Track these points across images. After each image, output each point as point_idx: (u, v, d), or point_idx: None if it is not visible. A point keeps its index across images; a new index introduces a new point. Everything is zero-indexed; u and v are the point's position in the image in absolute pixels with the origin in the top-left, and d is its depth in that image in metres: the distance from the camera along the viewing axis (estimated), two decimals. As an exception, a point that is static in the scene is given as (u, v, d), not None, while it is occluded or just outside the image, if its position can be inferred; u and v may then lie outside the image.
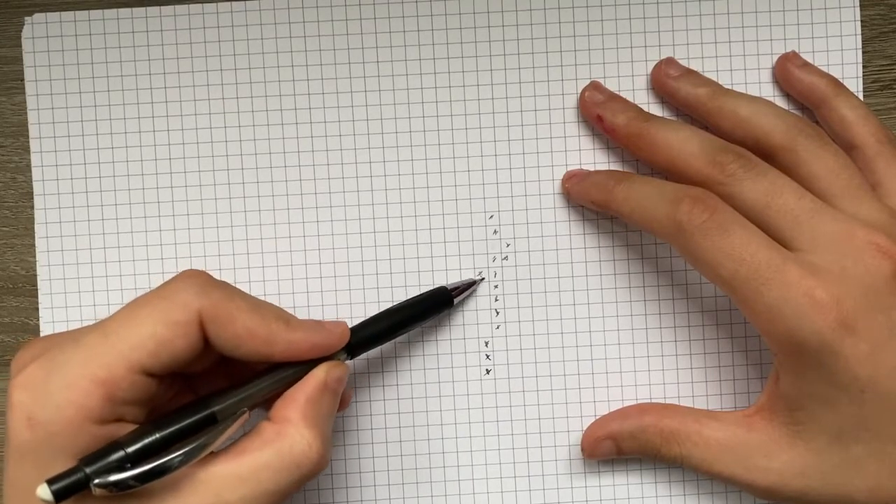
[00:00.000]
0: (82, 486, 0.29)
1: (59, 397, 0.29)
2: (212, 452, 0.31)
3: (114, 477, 0.29)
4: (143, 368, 0.30)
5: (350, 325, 0.35)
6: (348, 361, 0.35)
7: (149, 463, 0.29)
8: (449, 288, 0.39)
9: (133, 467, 0.29)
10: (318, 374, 0.32)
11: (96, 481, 0.28)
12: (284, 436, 0.31)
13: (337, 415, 0.36)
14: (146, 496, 0.29)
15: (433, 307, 0.38)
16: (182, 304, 0.31)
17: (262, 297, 0.38)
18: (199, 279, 0.32)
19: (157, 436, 0.30)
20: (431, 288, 0.39)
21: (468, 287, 0.39)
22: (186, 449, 0.30)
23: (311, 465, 0.31)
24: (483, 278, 0.40)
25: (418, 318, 0.38)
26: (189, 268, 0.33)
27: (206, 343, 0.31)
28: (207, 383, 0.34)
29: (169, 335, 0.30)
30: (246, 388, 0.32)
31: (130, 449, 0.30)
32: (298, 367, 0.33)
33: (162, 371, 0.31)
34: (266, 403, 0.33)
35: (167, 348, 0.30)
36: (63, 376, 0.29)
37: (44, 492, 0.28)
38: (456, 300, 0.39)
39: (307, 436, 0.31)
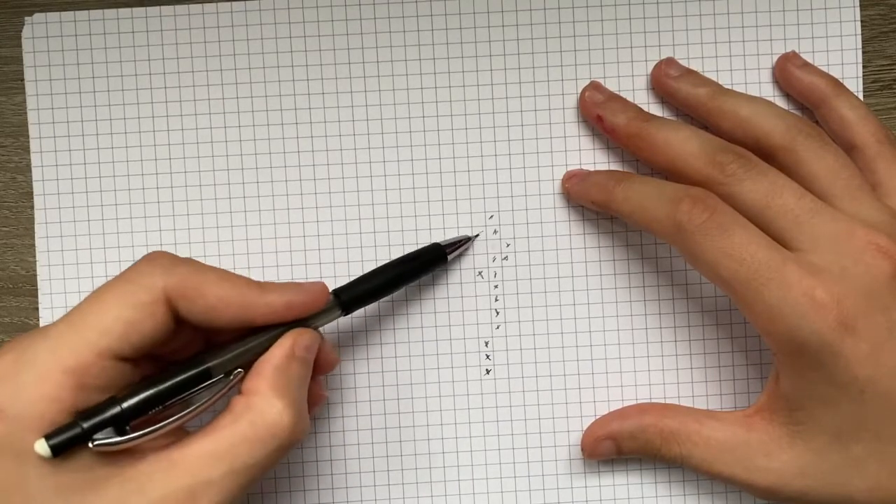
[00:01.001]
0: (80, 441, 0.29)
1: (30, 390, 0.29)
2: (186, 433, 0.31)
3: (116, 438, 0.29)
4: (112, 353, 0.30)
5: (342, 291, 0.35)
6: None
7: (144, 418, 0.30)
8: (443, 244, 0.39)
9: (129, 422, 0.30)
10: (285, 343, 0.32)
11: (97, 441, 0.29)
12: (254, 407, 0.31)
13: (323, 376, 0.37)
14: (127, 474, 0.30)
15: (427, 263, 0.38)
16: (147, 285, 0.31)
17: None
18: (163, 259, 0.32)
19: (153, 391, 0.31)
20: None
21: (462, 243, 0.39)
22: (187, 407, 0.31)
23: (285, 433, 0.31)
24: (478, 235, 0.40)
25: (412, 275, 0.38)
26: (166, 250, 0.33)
27: (178, 322, 0.32)
28: None
29: (136, 317, 0.30)
30: (238, 346, 0.32)
31: (126, 404, 0.30)
32: (285, 328, 0.33)
33: (134, 354, 0.31)
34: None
35: (135, 330, 0.30)
36: (32, 369, 0.29)
37: (41, 447, 0.28)
38: (450, 257, 0.39)
39: (277, 405, 0.31)
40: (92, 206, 0.39)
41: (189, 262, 0.32)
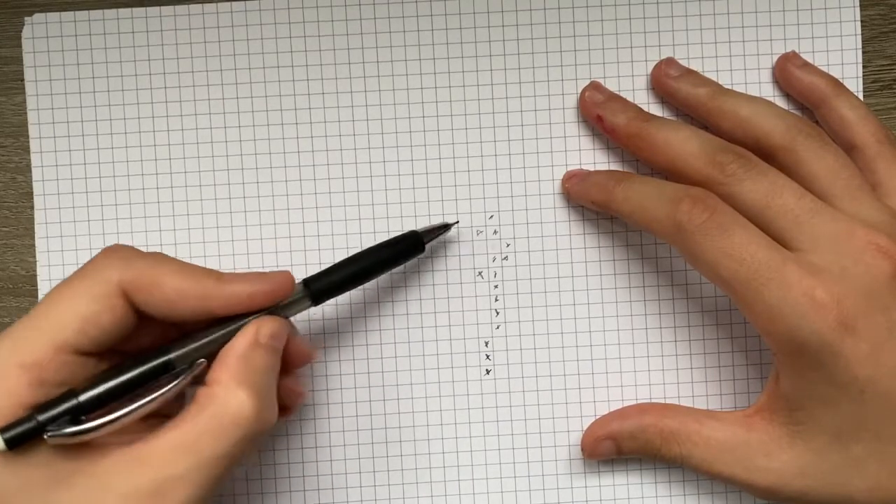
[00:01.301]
0: (35, 433, 0.29)
1: None
2: (153, 427, 0.30)
3: (69, 429, 0.29)
4: (71, 347, 0.30)
5: (312, 280, 0.34)
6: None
7: (105, 410, 0.29)
8: (420, 231, 0.38)
9: (88, 415, 0.29)
10: (248, 331, 0.32)
11: (50, 433, 0.29)
12: (216, 398, 0.30)
13: (297, 369, 0.36)
14: (93, 470, 0.29)
15: (403, 252, 0.37)
16: (103, 279, 0.31)
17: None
18: (120, 252, 0.32)
19: (112, 383, 0.30)
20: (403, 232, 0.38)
21: (440, 230, 0.38)
22: (144, 399, 0.30)
23: (249, 422, 0.30)
24: (458, 221, 0.39)
25: (387, 264, 0.36)
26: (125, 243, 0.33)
27: (141, 315, 0.31)
28: None
29: (92, 310, 0.30)
30: (202, 336, 0.32)
31: (83, 397, 0.30)
32: (251, 317, 0.32)
33: (95, 348, 0.31)
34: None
35: (93, 324, 0.30)
36: None
37: None
38: (427, 244, 0.37)
39: (240, 395, 0.30)
40: (92, 206, 0.39)
41: (148, 254, 0.32)
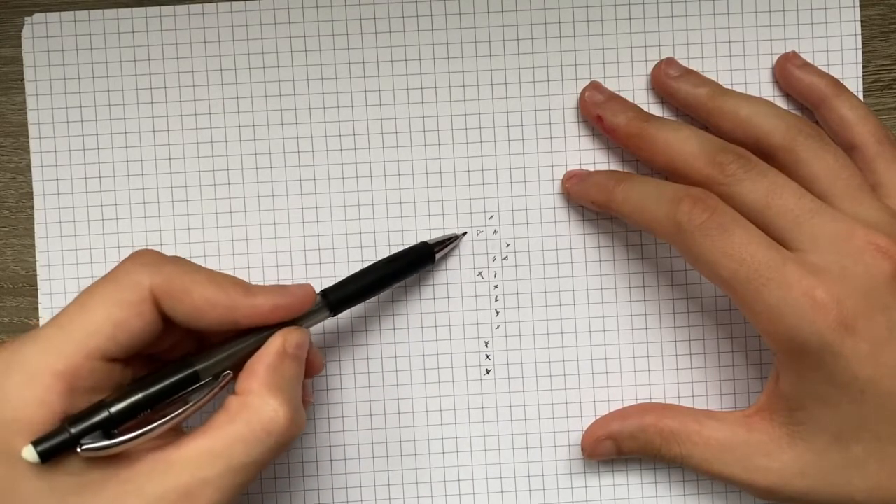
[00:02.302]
0: (68, 446, 0.29)
1: (19, 394, 0.29)
2: (182, 433, 0.31)
3: (103, 442, 0.29)
4: (102, 354, 0.30)
5: (330, 291, 0.35)
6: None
7: (134, 422, 0.30)
8: (431, 243, 0.39)
9: (118, 426, 0.30)
10: (276, 342, 0.32)
11: (84, 446, 0.29)
12: (249, 406, 0.31)
13: (309, 379, 0.37)
14: (123, 476, 0.30)
15: (415, 262, 0.38)
16: (133, 284, 0.31)
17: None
18: (149, 257, 0.32)
19: (141, 395, 0.30)
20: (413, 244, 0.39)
21: (450, 242, 0.39)
22: (175, 410, 0.30)
23: (281, 430, 0.31)
24: (465, 233, 0.40)
25: (399, 274, 0.38)
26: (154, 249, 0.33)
27: (166, 321, 0.31)
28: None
29: (123, 316, 0.30)
30: (227, 348, 0.32)
31: (114, 409, 0.30)
32: (272, 330, 0.33)
33: (123, 354, 0.31)
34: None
35: (123, 330, 0.30)
36: (22, 373, 0.29)
37: (29, 453, 0.28)
38: (438, 255, 0.39)
39: (272, 403, 0.31)
40: (92, 206, 0.39)
41: (176, 260, 0.32)
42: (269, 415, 0.31)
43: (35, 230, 0.39)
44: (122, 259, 0.32)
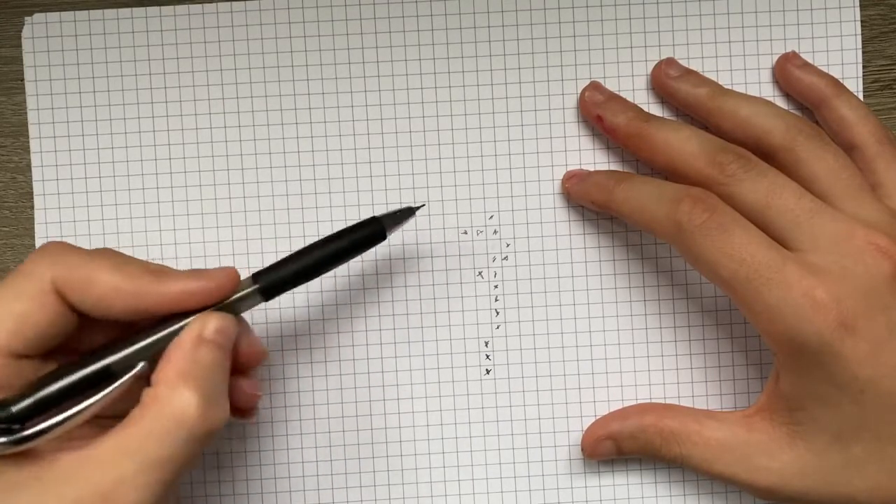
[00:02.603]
0: None
1: None
2: (99, 429, 0.30)
3: (1, 439, 0.28)
4: (7, 350, 0.29)
5: (261, 274, 0.33)
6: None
7: (38, 421, 0.28)
8: (381, 217, 0.34)
9: (22, 425, 0.28)
10: (192, 327, 0.31)
11: None
12: (160, 398, 0.29)
13: (251, 369, 0.34)
14: (44, 477, 0.29)
15: (360, 241, 0.34)
16: (34, 276, 0.30)
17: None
18: (54, 248, 0.31)
19: (46, 391, 0.29)
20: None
21: (403, 216, 0.35)
22: (80, 405, 0.29)
23: (194, 421, 0.29)
24: (423, 205, 0.37)
25: (342, 255, 0.33)
26: (67, 241, 0.32)
27: (86, 318, 0.31)
28: None
29: (24, 310, 0.29)
30: (142, 338, 0.31)
31: (16, 407, 0.29)
32: (194, 316, 0.31)
33: (32, 350, 0.30)
34: None
35: (28, 323, 0.29)
36: None
37: None
38: (389, 233, 0.34)
39: (184, 393, 0.29)
40: (92, 206, 0.39)
41: (84, 251, 0.31)
42: (178, 405, 0.29)
43: (35, 230, 0.39)
44: None
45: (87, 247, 0.38)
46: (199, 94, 0.39)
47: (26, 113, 0.39)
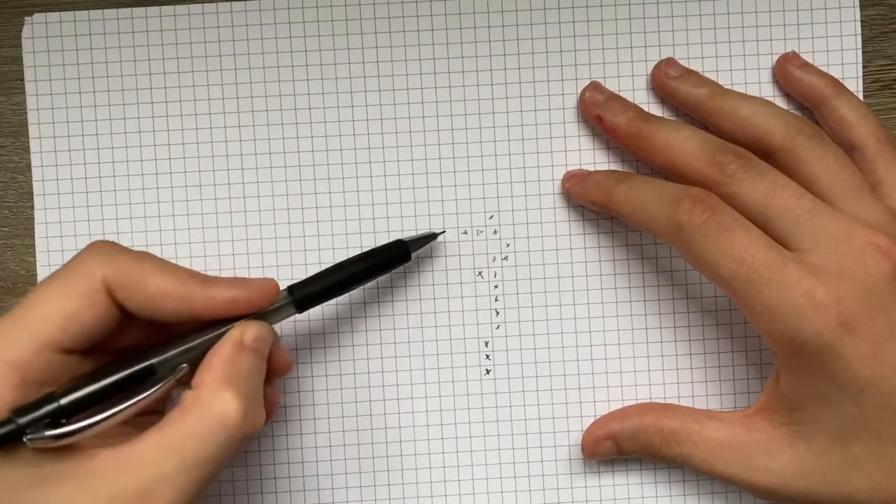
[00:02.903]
0: (15, 436, 0.28)
1: None
2: (138, 429, 0.30)
3: (49, 432, 0.29)
4: (55, 345, 0.30)
5: (296, 287, 0.34)
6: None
7: (84, 416, 0.29)
8: (407, 240, 0.37)
9: (69, 418, 0.29)
10: (232, 334, 0.32)
11: (30, 436, 0.28)
12: (202, 400, 0.30)
13: (280, 378, 0.36)
14: (79, 472, 0.29)
15: (388, 261, 0.37)
16: (85, 274, 0.30)
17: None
18: (104, 248, 0.31)
19: (92, 387, 0.30)
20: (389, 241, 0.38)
21: (427, 240, 0.38)
22: (125, 403, 0.30)
23: (235, 424, 0.30)
24: (444, 231, 0.39)
25: (371, 273, 0.36)
26: (112, 240, 0.33)
27: (127, 313, 0.31)
28: None
29: (74, 307, 0.30)
30: (185, 341, 0.32)
31: (64, 400, 0.29)
32: (233, 324, 0.32)
33: (78, 345, 0.30)
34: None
35: (76, 320, 0.30)
36: None
37: None
38: (413, 254, 0.37)
39: (225, 396, 0.30)
40: (92, 206, 0.39)
41: (134, 251, 0.32)
42: (221, 409, 0.30)
43: (35, 230, 0.39)
44: None
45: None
46: (199, 94, 0.39)
47: (26, 113, 0.39)
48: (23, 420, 0.29)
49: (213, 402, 0.30)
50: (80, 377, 0.31)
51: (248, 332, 0.32)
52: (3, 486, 0.29)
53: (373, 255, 0.36)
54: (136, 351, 0.32)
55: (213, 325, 0.32)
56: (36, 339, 0.30)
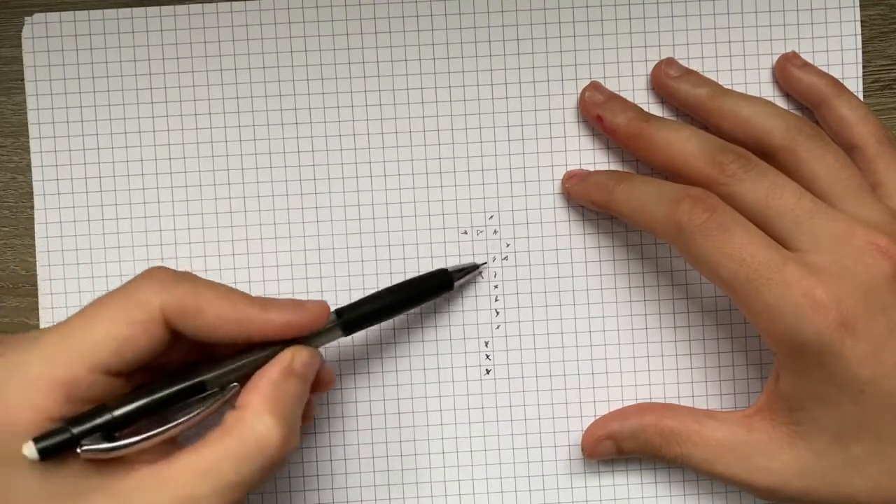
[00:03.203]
0: (68, 446, 0.29)
1: (19, 398, 0.29)
2: (177, 447, 0.31)
3: (103, 445, 0.29)
4: (104, 368, 0.30)
5: (345, 311, 0.35)
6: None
7: (135, 428, 0.30)
8: (450, 270, 0.38)
9: (119, 431, 0.30)
10: (283, 358, 0.32)
11: (84, 447, 0.29)
12: (244, 422, 0.30)
13: (321, 395, 0.37)
14: (115, 488, 0.29)
15: (432, 289, 0.38)
16: (143, 303, 0.31)
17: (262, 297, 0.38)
18: (161, 275, 0.32)
19: (145, 400, 0.30)
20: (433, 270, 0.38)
21: (470, 271, 0.39)
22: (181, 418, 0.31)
23: (274, 449, 0.30)
24: (486, 263, 0.40)
25: (416, 299, 0.37)
26: (166, 265, 0.33)
27: (176, 336, 0.31)
28: None
29: (129, 334, 0.30)
30: (235, 360, 0.32)
31: (118, 412, 0.30)
32: (282, 346, 0.33)
33: (126, 368, 0.30)
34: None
35: (129, 347, 0.30)
36: (22, 377, 0.29)
37: (29, 450, 0.28)
38: (456, 283, 0.38)
39: (267, 420, 0.30)
40: (92, 206, 0.39)
41: (189, 277, 0.32)
42: (262, 432, 0.30)
43: (35, 230, 0.39)
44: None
45: (87, 248, 0.38)
46: (199, 94, 0.39)
47: (26, 113, 0.39)
48: (77, 430, 0.29)
49: (256, 424, 0.30)
50: (130, 392, 0.31)
51: (298, 357, 0.32)
52: (48, 495, 0.29)
53: (418, 282, 0.37)
54: (178, 368, 0.33)
55: (261, 344, 0.33)
56: (87, 361, 0.30)
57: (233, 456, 0.30)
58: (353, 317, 0.35)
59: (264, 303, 0.32)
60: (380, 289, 0.37)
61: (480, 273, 0.39)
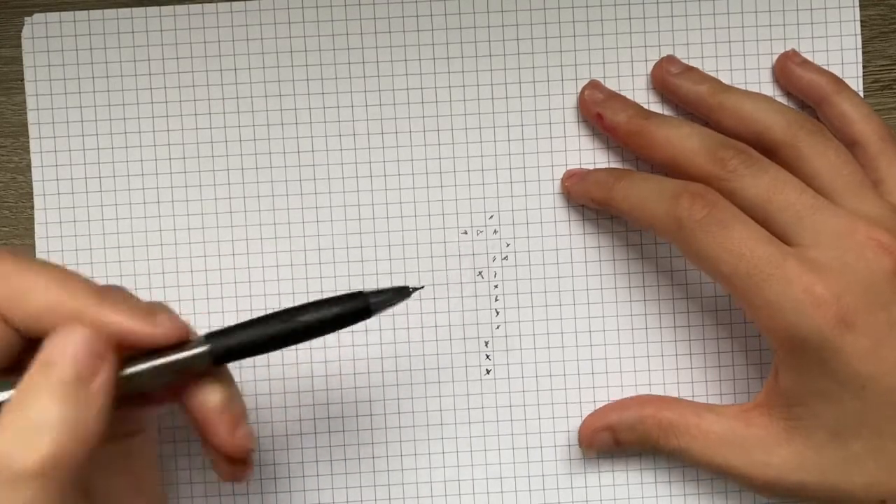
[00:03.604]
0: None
1: None
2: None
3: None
4: None
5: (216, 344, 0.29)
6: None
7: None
8: (367, 294, 0.30)
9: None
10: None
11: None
12: None
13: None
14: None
15: (338, 318, 0.30)
16: None
17: (262, 298, 0.38)
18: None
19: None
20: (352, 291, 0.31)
21: (395, 297, 0.31)
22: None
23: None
24: (423, 287, 0.39)
25: (316, 330, 0.30)
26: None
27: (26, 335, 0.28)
28: None
29: None
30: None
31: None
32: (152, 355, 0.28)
33: None
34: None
35: None
36: None
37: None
38: (375, 312, 0.30)
39: None
40: (92, 207, 0.39)
41: (24, 259, 0.28)
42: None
43: (35, 230, 0.39)
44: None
45: (87, 248, 0.38)
46: (199, 94, 0.39)
47: (26, 113, 0.39)
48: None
49: None
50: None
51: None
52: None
53: (316, 307, 0.30)
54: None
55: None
56: None
57: None
58: (227, 346, 0.29)
59: (108, 299, 0.28)
60: (268, 313, 0.30)
61: (406, 297, 0.31)
